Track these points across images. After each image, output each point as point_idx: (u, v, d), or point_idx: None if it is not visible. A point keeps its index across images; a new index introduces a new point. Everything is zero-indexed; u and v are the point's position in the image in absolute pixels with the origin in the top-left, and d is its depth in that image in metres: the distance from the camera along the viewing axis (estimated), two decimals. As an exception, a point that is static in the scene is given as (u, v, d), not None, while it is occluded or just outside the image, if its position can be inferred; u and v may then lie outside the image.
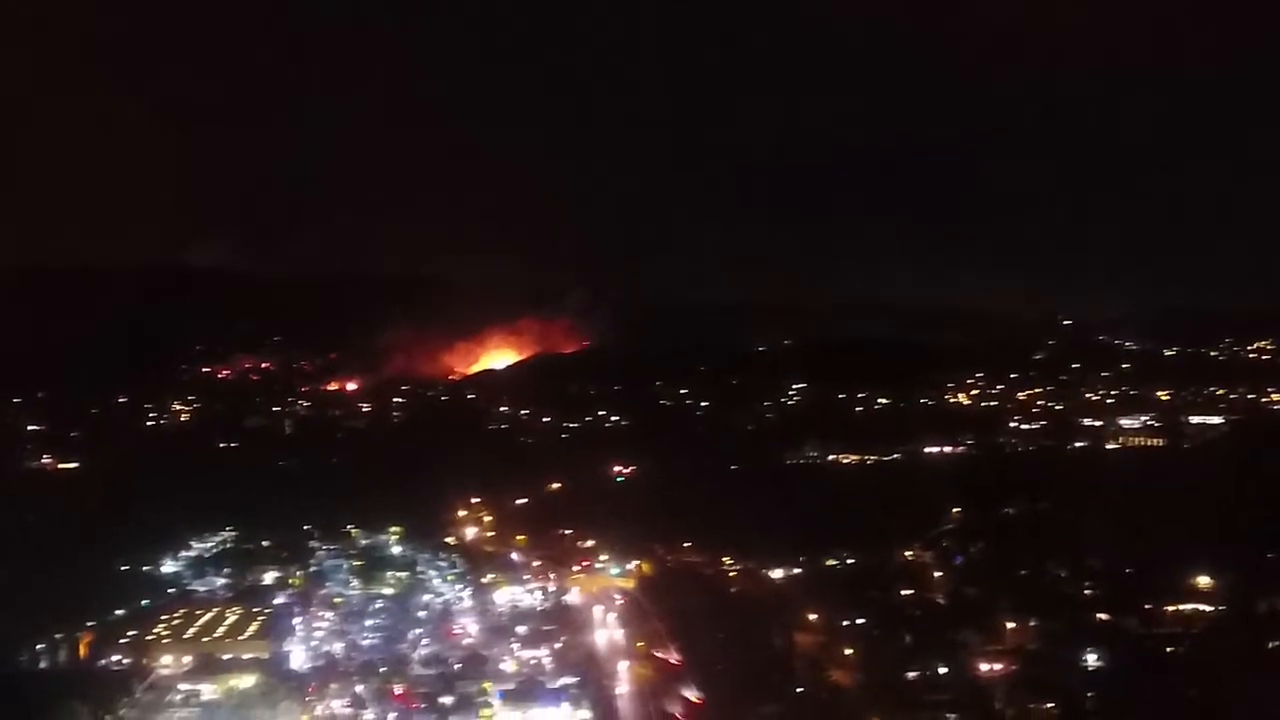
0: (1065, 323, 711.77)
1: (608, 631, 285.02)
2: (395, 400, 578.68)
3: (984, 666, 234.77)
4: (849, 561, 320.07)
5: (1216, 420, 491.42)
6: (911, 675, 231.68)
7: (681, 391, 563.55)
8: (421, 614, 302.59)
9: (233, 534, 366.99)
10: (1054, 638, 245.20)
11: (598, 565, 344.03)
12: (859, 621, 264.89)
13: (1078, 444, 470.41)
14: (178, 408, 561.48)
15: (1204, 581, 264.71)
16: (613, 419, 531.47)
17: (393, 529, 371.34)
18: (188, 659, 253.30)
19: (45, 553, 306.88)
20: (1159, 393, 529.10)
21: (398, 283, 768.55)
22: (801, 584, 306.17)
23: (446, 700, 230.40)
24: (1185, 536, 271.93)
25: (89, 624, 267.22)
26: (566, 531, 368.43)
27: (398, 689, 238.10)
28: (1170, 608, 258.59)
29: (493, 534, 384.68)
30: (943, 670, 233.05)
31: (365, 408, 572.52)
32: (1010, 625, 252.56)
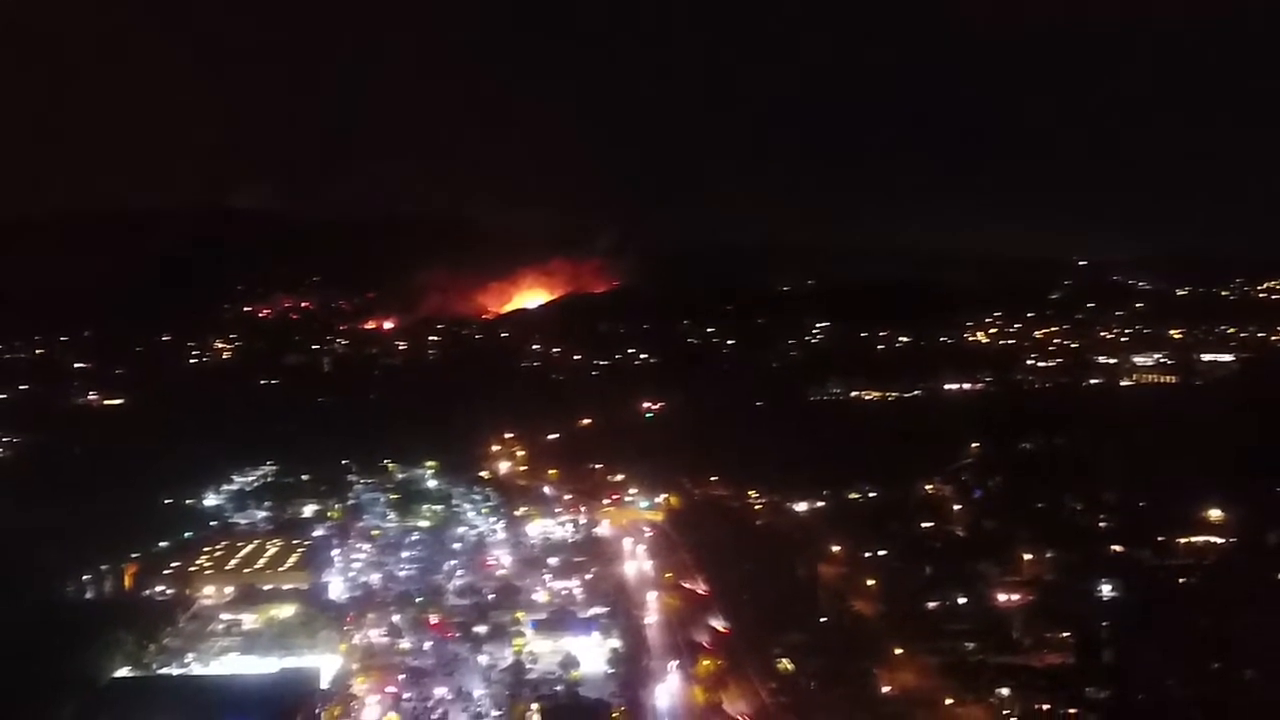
0: (1081, 263, 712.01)
1: (637, 563, 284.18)
2: (430, 339, 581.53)
3: (1002, 597, 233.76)
4: (871, 495, 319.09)
5: (1227, 358, 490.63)
6: (931, 605, 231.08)
7: (708, 330, 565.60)
8: (456, 546, 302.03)
9: (273, 468, 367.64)
10: (1070, 569, 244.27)
11: (627, 499, 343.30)
12: (880, 553, 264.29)
13: (1093, 381, 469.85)
14: (219, 346, 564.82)
15: (1215, 514, 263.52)
16: (641, 357, 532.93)
17: (428, 463, 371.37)
18: (229, 589, 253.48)
19: (91, 486, 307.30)
20: (1172, 331, 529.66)
21: (433, 225, 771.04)
22: (825, 517, 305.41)
23: (480, 629, 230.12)
24: (1197, 470, 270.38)
25: (134, 555, 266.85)
26: (597, 466, 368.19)
27: (433, 619, 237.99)
28: (1183, 539, 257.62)
29: (525, 468, 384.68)
30: (962, 600, 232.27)
31: (401, 346, 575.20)
32: (1027, 557, 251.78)
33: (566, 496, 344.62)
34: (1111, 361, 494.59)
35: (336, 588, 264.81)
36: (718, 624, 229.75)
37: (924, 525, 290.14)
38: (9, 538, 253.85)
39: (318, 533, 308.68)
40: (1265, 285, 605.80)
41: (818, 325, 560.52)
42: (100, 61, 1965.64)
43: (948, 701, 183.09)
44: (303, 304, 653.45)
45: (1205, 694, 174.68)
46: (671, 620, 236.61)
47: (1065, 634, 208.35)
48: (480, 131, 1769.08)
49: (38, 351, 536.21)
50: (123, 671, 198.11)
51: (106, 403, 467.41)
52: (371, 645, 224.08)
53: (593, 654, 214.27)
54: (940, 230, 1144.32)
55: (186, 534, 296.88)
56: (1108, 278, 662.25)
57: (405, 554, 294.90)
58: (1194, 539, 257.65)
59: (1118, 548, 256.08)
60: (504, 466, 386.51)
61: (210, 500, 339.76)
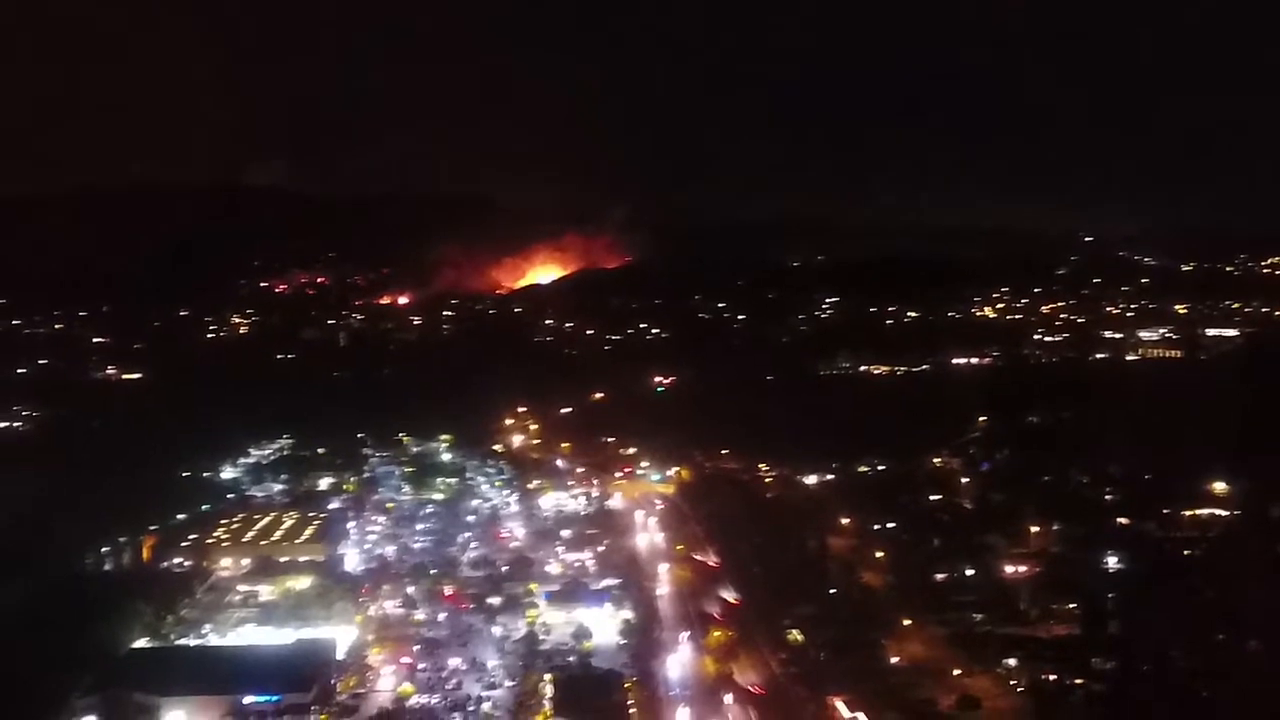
0: (1087, 239, 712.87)
1: (648, 535, 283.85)
2: (445, 314, 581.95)
3: (1009, 569, 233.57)
4: (880, 468, 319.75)
5: (1232, 333, 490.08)
6: (940, 577, 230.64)
7: (719, 305, 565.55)
8: (470, 518, 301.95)
9: (289, 441, 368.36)
10: (1076, 541, 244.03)
11: (639, 471, 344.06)
12: (889, 526, 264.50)
13: (1099, 355, 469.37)
14: (236, 321, 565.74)
15: (1220, 487, 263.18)
16: (653, 332, 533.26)
17: (442, 437, 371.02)
18: (246, 561, 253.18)
19: (110, 460, 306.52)
20: (1177, 306, 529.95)
21: (447, 201, 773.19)
22: (834, 489, 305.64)
23: (494, 601, 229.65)
24: (1202, 444, 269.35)
25: (152, 528, 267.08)
26: (609, 439, 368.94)
27: (447, 590, 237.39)
28: (1187, 512, 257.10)
29: (538, 442, 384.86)
30: (969, 572, 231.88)
31: (416, 321, 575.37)
32: (1034, 529, 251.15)
33: (579, 469, 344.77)
34: (1117, 336, 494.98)
35: (352, 560, 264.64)
36: (728, 595, 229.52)
37: (932, 498, 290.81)
38: (30, 510, 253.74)
39: (333, 505, 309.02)
40: (1269, 261, 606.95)
41: (827, 300, 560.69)
42: (118, 39, 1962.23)
43: (956, 672, 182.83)
44: (318, 279, 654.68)
45: (1209, 665, 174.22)
46: (683, 592, 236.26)
47: (1072, 605, 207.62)
48: (494, 108, 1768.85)
49: (57, 327, 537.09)
50: (141, 642, 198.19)
51: (125, 377, 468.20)
52: (386, 616, 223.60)
53: (605, 625, 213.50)
54: (947, 206, 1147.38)
55: (204, 507, 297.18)
56: (1113, 253, 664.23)
57: (420, 526, 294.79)
58: (1199, 512, 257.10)
59: (1123, 520, 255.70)
60: (517, 440, 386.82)
61: (227, 473, 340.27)
